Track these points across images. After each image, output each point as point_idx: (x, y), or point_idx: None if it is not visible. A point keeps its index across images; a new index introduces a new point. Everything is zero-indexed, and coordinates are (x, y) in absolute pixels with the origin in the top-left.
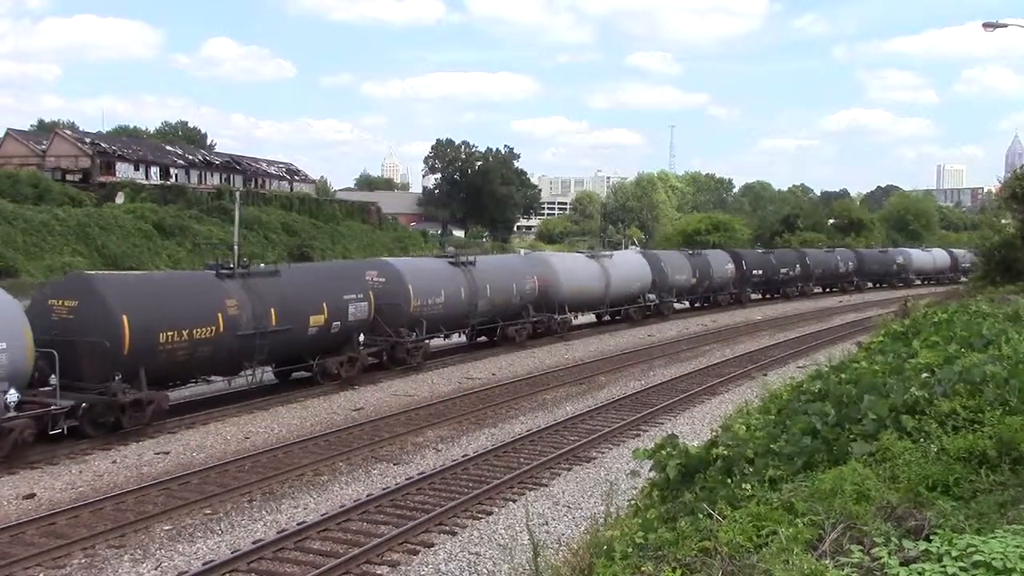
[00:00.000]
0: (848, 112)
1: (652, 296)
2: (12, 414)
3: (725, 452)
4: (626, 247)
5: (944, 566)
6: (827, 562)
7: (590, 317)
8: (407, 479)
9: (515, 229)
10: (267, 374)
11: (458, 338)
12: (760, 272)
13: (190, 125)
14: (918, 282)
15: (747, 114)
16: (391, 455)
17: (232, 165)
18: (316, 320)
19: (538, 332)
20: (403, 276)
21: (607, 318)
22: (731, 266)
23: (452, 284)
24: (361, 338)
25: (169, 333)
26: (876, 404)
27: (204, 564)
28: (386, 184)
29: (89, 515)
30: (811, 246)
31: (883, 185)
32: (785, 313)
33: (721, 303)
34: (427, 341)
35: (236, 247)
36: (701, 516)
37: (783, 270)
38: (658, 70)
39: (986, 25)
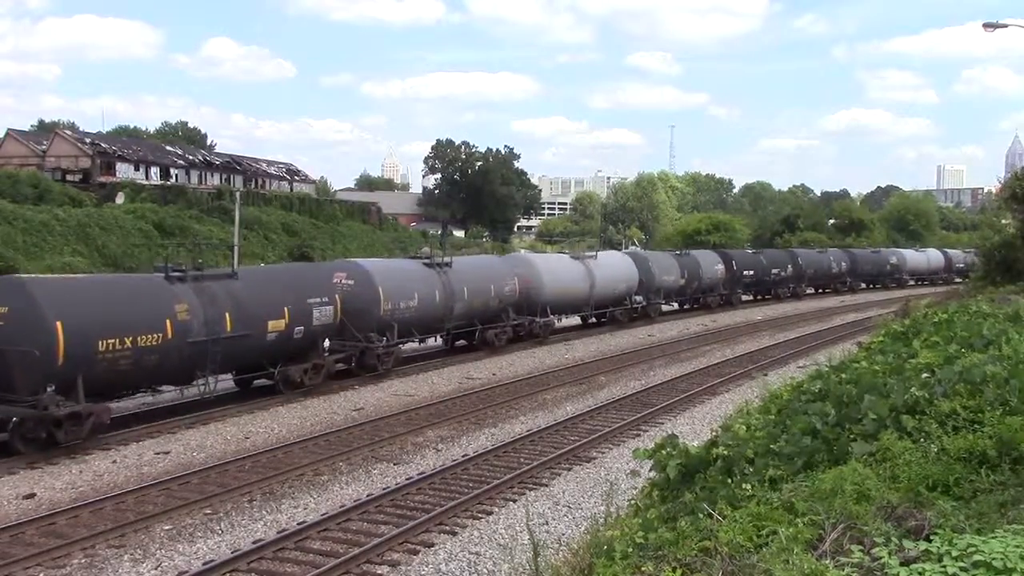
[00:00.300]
0: (848, 112)
1: (639, 298)
2: None
3: (725, 452)
4: (626, 247)
5: (944, 566)
6: (827, 562)
7: (575, 320)
8: (407, 479)
9: (515, 229)
10: (227, 383)
11: (434, 342)
12: (751, 273)
13: (190, 125)
14: (912, 282)
15: (747, 114)
16: (391, 455)
17: (232, 165)
18: (276, 325)
19: (519, 336)
20: (373, 278)
21: (593, 320)
22: (721, 267)
23: (426, 286)
24: (327, 344)
25: (110, 340)
26: (876, 404)
27: (204, 564)
28: (386, 184)
29: (89, 515)
30: (811, 246)
31: (883, 185)
32: (785, 313)
33: (711, 304)
34: (400, 346)
35: (236, 247)
36: (701, 516)
37: (774, 271)
38: (658, 70)
39: (986, 25)
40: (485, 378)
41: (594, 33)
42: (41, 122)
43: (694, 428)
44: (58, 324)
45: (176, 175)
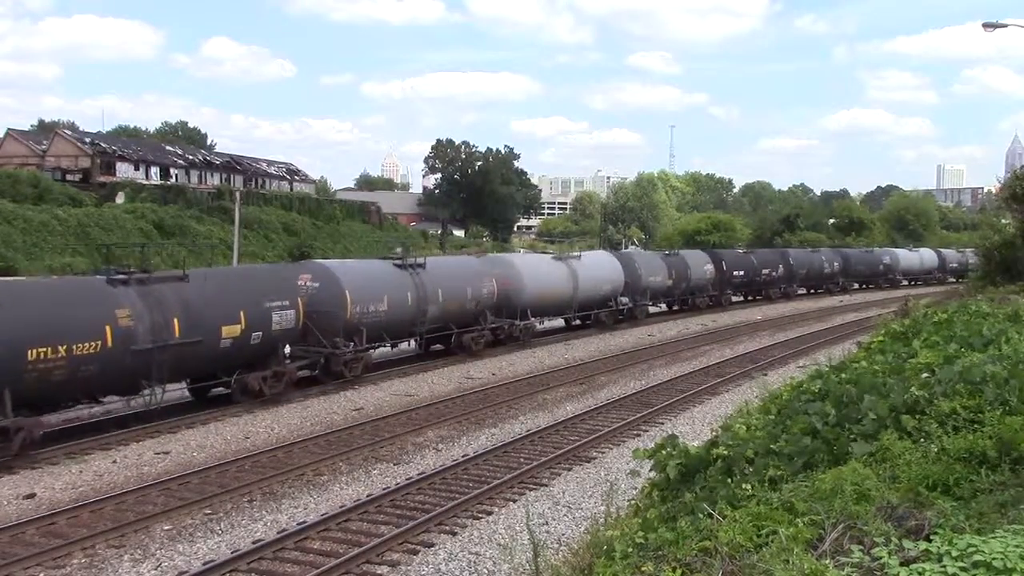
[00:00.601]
0: (848, 112)
1: (625, 299)
2: None
3: (725, 452)
4: (626, 247)
5: (944, 566)
6: (827, 562)
7: (559, 322)
8: (407, 479)
9: (515, 229)
10: (181, 392)
11: (408, 347)
12: (741, 273)
13: (190, 125)
14: (905, 283)
15: (747, 114)
16: (391, 455)
17: (232, 165)
18: (231, 331)
19: (499, 339)
20: (339, 280)
21: (577, 322)
22: (710, 267)
23: (397, 288)
24: (287, 350)
25: (42, 350)
26: (876, 404)
27: (204, 564)
28: (386, 184)
29: (89, 515)
30: (811, 246)
31: (883, 185)
32: (784, 313)
33: (699, 306)
34: (370, 352)
35: (236, 247)
36: (701, 516)
37: (765, 271)
38: (658, 70)
39: (986, 25)
40: (485, 378)
41: (594, 33)
42: (41, 122)
43: (694, 428)
44: None
45: (176, 175)
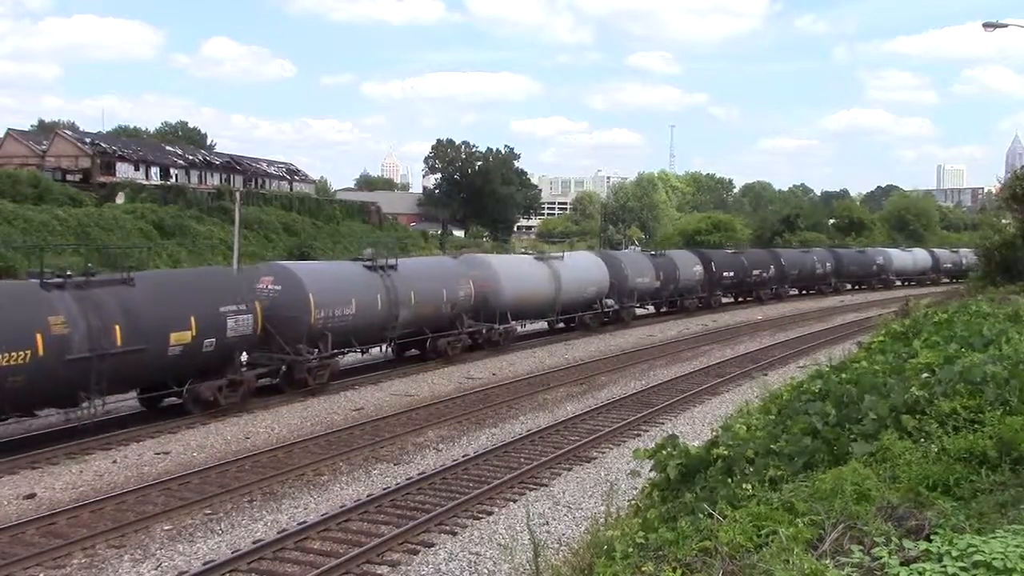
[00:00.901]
0: (848, 112)
1: (610, 301)
2: None
3: (725, 452)
4: (626, 247)
5: (944, 566)
6: (827, 562)
7: (541, 325)
8: (407, 479)
9: (515, 229)
10: (131, 402)
11: (381, 352)
12: (731, 274)
13: (190, 125)
14: (898, 283)
15: (747, 114)
16: (391, 455)
17: (232, 165)
18: (180, 337)
19: (477, 344)
20: (302, 283)
21: (561, 325)
22: (699, 268)
23: (366, 291)
24: (244, 357)
25: None
26: (876, 404)
27: (204, 564)
28: (386, 184)
29: (89, 515)
30: (811, 246)
31: (883, 185)
32: (784, 313)
33: (688, 308)
34: (336, 359)
35: (236, 248)
36: (701, 516)
37: (756, 272)
38: (658, 70)
39: (986, 25)
40: (485, 378)
41: (594, 33)
42: (41, 122)
43: (694, 428)
44: None
45: (176, 175)
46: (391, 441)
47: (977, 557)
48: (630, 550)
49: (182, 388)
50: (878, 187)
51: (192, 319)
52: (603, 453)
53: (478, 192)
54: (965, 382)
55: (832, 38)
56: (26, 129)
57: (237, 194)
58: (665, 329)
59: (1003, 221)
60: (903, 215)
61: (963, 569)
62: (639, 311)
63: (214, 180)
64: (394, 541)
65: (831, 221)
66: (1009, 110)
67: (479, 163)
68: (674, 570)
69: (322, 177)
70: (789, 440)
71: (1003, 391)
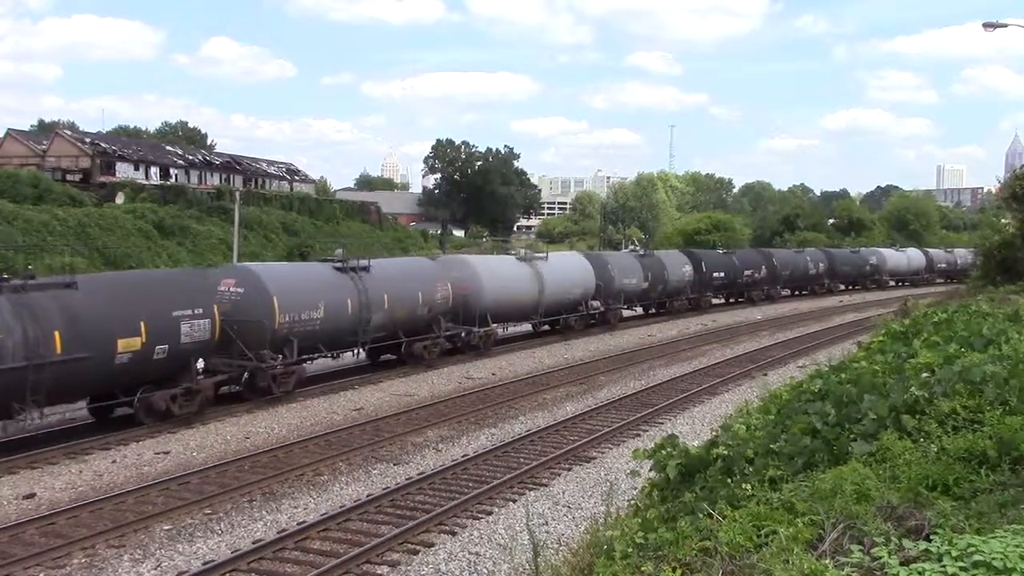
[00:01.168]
0: (848, 112)
1: (596, 303)
2: None
3: (725, 452)
4: (626, 247)
5: (944, 566)
6: (827, 562)
7: (525, 327)
8: (407, 479)
9: (515, 229)
10: (80, 412)
11: (353, 357)
12: (721, 275)
13: (190, 125)
14: (892, 283)
15: (747, 114)
16: (391, 455)
17: (232, 165)
18: (128, 344)
19: (456, 348)
20: (265, 286)
21: (546, 328)
22: (688, 268)
23: (336, 294)
24: (201, 364)
25: None
26: (876, 404)
27: (204, 564)
28: (386, 184)
29: (89, 515)
30: (803, 246)
31: (883, 185)
32: (784, 313)
33: (677, 309)
34: (303, 365)
35: (236, 248)
36: (701, 516)
37: (747, 272)
38: (658, 70)
39: (986, 25)
40: (485, 378)
41: (594, 33)
42: (41, 122)
43: (694, 428)
44: None
45: (176, 175)
46: (391, 441)
47: (977, 557)
48: (630, 550)
49: (133, 398)
50: (878, 187)
51: (142, 324)
52: (603, 453)
53: (478, 192)
54: (965, 382)
55: (832, 38)
56: (26, 129)
57: (237, 194)
58: (663, 330)
59: (1003, 221)
60: (903, 215)
61: (963, 569)
62: (626, 313)
63: (214, 180)
64: (394, 541)
65: (831, 221)
66: (1009, 110)
67: (479, 163)
68: (674, 570)
69: (322, 177)
70: (789, 440)
71: (1003, 391)
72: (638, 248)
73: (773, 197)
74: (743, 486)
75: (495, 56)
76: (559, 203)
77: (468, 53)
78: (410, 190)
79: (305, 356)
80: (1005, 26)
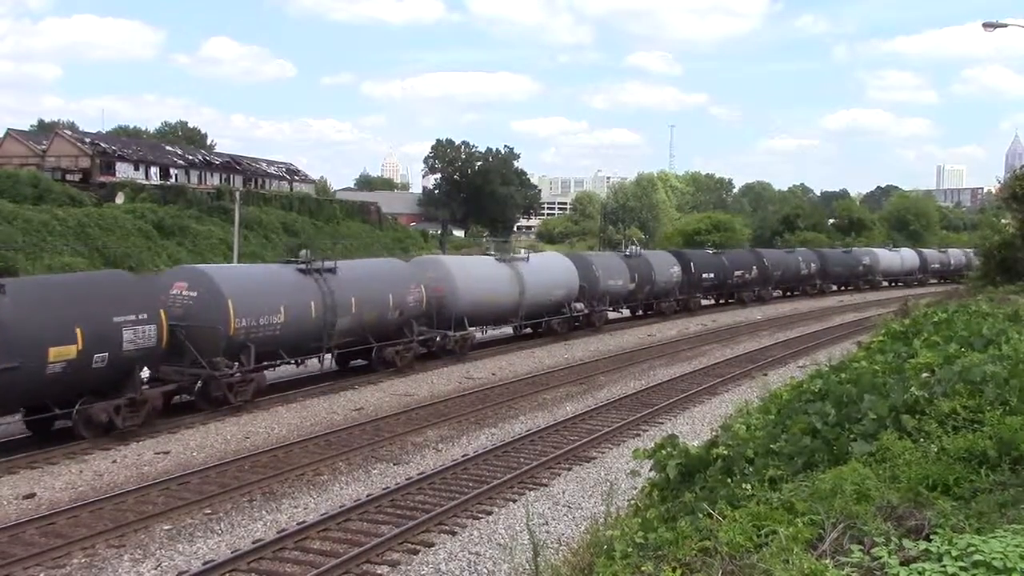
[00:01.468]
0: (848, 112)
1: (580, 305)
2: None
3: (725, 452)
4: (626, 247)
5: (944, 566)
6: (827, 562)
7: (506, 330)
8: (407, 479)
9: (515, 229)
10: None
11: (320, 364)
12: (711, 275)
13: (190, 125)
14: (885, 284)
15: (747, 114)
16: (391, 455)
17: (232, 165)
18: (62, 352)
19: (431, 352)
20: (220, 289)
21: (528, 331)
22: (677, 269)
23: (298, 297)
24: (146, 373)
25: None
26: (876, 404)
27: (204, 564)
28: (386, 184)
29: (89, 515)
30: (820, 247)
31: (883, 185)
32: (784, 313)
33: (665, 311)
34: (263, 373)
35: (236, 248)
36: (701, 516)
37: (737, 273)
38: (658, 70)
39: (986, 25)
40: (485, 378)
41: (594, 33)
42: (41, 122)
43: (694, 428)
44: None
45: (176, 175)
46: (391, 441)
47: (977, 557)
48: (630, 550)
49: (71, 410)
50: (878, 187)
51: (78, 331)
52: (603, 453)
53: (478, 192)
54: (965, 382)
55: (832, 38)
56: (26, 129)
57: (237, 194)
58: (662, 330)
59: (1003, 221)
60: (903, 215)
61: (963, 569)
62: (612, 315)
63: (214, 180)
64: (394, 541)
65: (831, 221)
66: (1009, 110)
67: (479, 163)
68: (674, 570)
69: (322, 177)
70: (789, 440)
71: (1003, 391)
72: (638, 248)
73: (773, 197)
74: (743, 486)
75: (495, 56)
76: (559, 203)
77: (468, 53)
78: (410, 190)
79: (266, 363)
80: (1005, 26)
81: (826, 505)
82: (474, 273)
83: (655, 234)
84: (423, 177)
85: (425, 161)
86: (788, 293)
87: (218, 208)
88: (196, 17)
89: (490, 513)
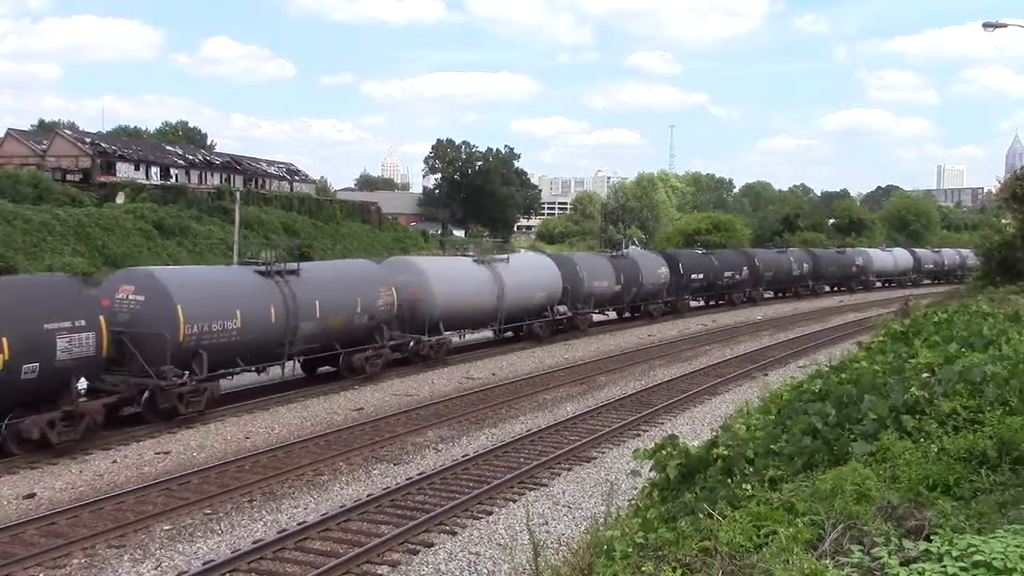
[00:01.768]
0: (848, 112)
1: (563, 308)
2: None
3: (725, 452)
4: (627, 247)
5: (944, 566)
6: (827, 562)
7: (486, 334)
8: (407, 479)
9: (515, 229)
10: None
11: (282, 372)
12: (700, 276)
13: (190, 125)
14: (879, 284)
15: (747, 114)
16: (391, 455)
17: (232, 165)
18: None
19: (405, 358)
20: (169, 293)
21: (510, 334)
22: (665, 270)
23: (256, 301)
24: (83, 384)
25: None
26: (876, 404)
27: (204, 564)
28: (386, 184)
29: (89, 515)
30: (820, 246)
31: (883, 185)
32: (784, 313)
33: (653, 313)
34: (217, 382)
35: (236, 248)
36: (701, 516)
37: (727, 274)
38: (658, 70)
39: (986, 25)
40: (485, 378)
41: (594, 33)
42: (41, 122)
43: (694, 428)
44: None
45: (176, 175)
46: (391, 441)
47: (977, 557)
48: (630, 550)
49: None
50: (878, 187)
51: (4, 341)
52: (603, 453)
53: (478, 192)
54: (965, 382)
55: (832, 38)
56: (26, 129)
57: (237, 194)
58: (662, 330)
59: (1003, 221)
60: (903, 215)
61: (963, 569)
62: (598, 317)
63: (214, 180)
64: (394, 541)
65: (831, 221)
66: (1009, 110)
67: (479, 163)
68: (674, 570)
69: (322, 177)
70: (789, 440)
71: (1003, 391)
72: (639, 248)
73: (773, 197)
74: (743, 486)
75: (495, 56)
76: (559, 203)
77: (468, 53)
78: (410, 190)
79: (223, 371)
80: (1005, 26)
81: (826, 505)
82: (450, 275)
83: (655, 234)
84: (423, 177)
85: (425, 161)
86: (780, 294)
87: (218, 208)
88: (196, 17)
89: (490, 513)
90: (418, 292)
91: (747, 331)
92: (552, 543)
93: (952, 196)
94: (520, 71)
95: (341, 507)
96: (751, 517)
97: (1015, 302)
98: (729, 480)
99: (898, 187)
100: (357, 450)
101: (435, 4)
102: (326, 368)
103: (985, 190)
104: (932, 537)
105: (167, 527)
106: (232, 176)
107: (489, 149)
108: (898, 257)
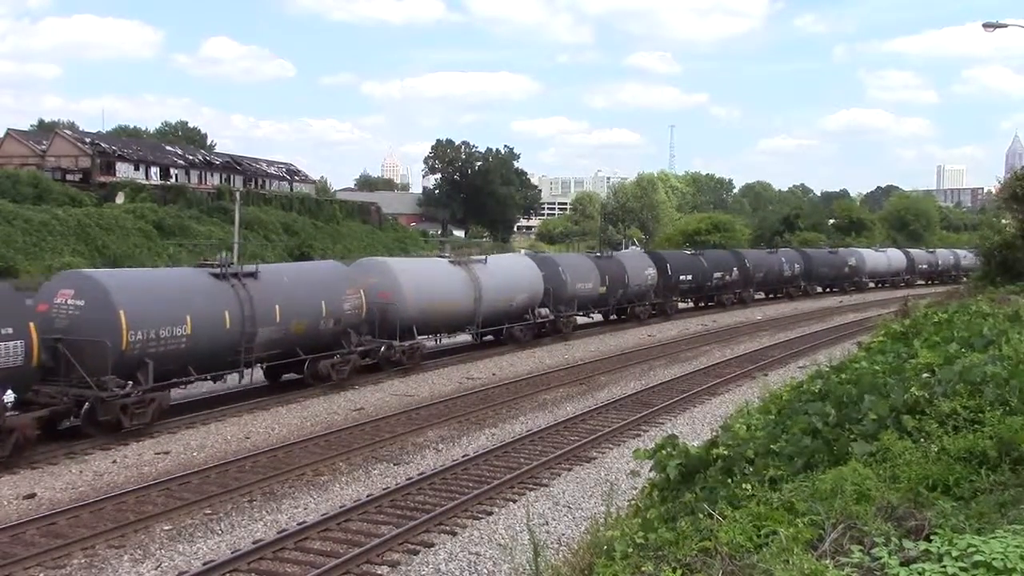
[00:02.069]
0: (848, 112)
1: (544, 310)
2: None
3: (725, 452)
4: (627, 247)
5: (944, 566)
6: (827, 562)
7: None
8: (407, 479)
9: (515, 229)
10: None
11: (239, 380)
12: (689, 278)
13: (190, 125)
14: (872, 285)
15: (747, 114)
16: (391, 455)
17: (232, 165)
18: None
19: (375, 364)
20: (110, 298)
21: (490, 338)
22: (652, 271)
23: (208, 306)
24: (8, 397)
25: None
26: (876, 404)
27: (204, 564)
28: (386, 184)
29: (89, 515)
30: (813, 246)
31: (883, 185)
32: (785, 313)
33: (639, 315)
34: (166, 392)
35: (236, 248)
36: (701, 516)
37: (716, 275)
38: (658, 70)
39: (986, 25)
40: (485, 378)
41: (594, 33)
42: (41, 122)
43: (694, 428)
44: None
45: (176, 175)
46: (391, 441)
47: (977, 557)
48: (630, 550)
49: None
50: (878, 187)
51: None
52: (603, 453)
53: (478, 192)
54: (965, 382)
55: (832, 38)
56: (26, 129)
57: (237, 194)
58: (663, 330)
59: (1003, 221)
60: (903, 215)
61: (963, 569)
62: (582, 320)
63: (214, 180)
64: (394, 541)
65: (831, 221)
66: (1009, 110)
67: (479, 163)
68: (674, 570)
69: (322, 177)
70: (789, 440)
71: (1003, 391)
72: (639, 248)
73: (773, 197)
74: (743, 486)
75: (495, 56)
76: (559, 203)
77: (468, 53)
78: (410, 190)
79: (174, 380)
80: (1005, 26)
81: (826, 505)
82: (423, 277)
83: (655, 235)
84: (423, 177)
85: (425, 161)
86: (771, 296)
87: (218, 208)
88: (196, 17)
89: (490, 513)
90: (389, 295)
91: (747, 331)
92: (552, 543)
93: (952, 196)
94: (520, 71)
95: (341, 507)
96: (751, 517)
97: (1015, 302)
98: (729, 480)
99: (898, 187)
100: (357, 450)
101: (435, 4)
102: (291, 375)
103: (985, 190)
104: (932, 537)
105: (167, 527)
106: (232, 176)
107: (489, 149)
108: (892, 257)
